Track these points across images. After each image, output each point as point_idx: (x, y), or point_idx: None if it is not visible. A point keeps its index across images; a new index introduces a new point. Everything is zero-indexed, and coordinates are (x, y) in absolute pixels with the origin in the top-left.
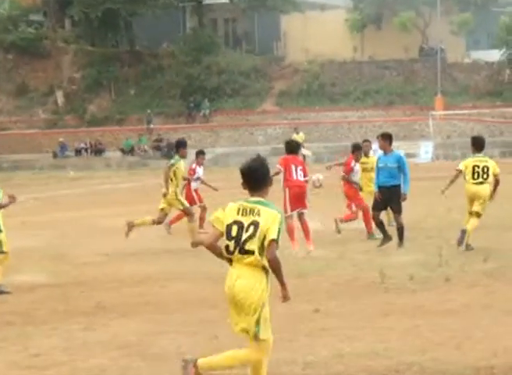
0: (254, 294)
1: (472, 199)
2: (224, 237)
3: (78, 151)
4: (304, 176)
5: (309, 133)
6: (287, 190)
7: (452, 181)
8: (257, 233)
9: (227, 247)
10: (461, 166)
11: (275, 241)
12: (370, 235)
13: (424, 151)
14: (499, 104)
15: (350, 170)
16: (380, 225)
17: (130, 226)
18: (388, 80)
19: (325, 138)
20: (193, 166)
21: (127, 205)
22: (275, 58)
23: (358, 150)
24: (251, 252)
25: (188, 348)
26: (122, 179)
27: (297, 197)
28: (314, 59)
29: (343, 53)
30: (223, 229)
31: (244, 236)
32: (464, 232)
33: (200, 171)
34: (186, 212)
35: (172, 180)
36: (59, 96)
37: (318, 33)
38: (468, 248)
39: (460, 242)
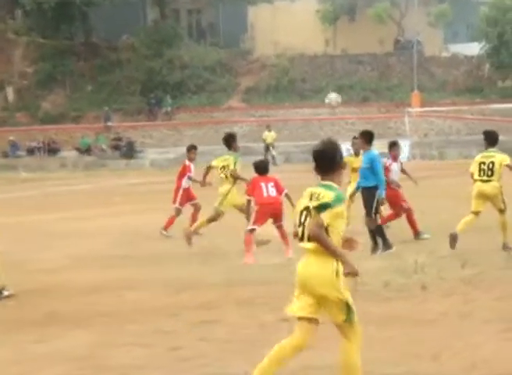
0: (325, 280)
1: (479, 198)
2: (296, 224)
3: (30, 151)
4: (278, 191)
5: (278, 132)
6: (258, 207)
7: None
8: None
9: (297, 234)
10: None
11: (315, 211)
12: (417, 236)
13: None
14: (479, 101)
15: (387, 171)
16: (370, 231)
17: (190, 235)
18: (361, 75)
19: (294, 137)
20: (187, 162)
21: (84, 208)
22: (241, 51)
23: (394, 146)
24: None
25: (144, 360)
26: (79, 180)
27: (269, 214)
28: (283, 53)
29: (314, 46)
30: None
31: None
32: (453, 236)
33: (192, 168)
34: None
35: (226, 177)
36: (9, 92)
37: (287, 25)
38: (506, 249)
39: (452, 245)
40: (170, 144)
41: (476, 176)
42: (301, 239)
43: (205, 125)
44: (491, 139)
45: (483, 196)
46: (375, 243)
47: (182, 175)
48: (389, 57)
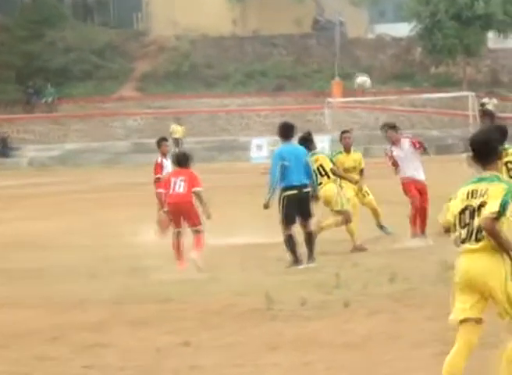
0: (498, 276)
1: None
2: (457, 226)
3: None
4: (189, 186)
5: (179, 125)
6: (168, 207)
7: None
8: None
9: (459, 236)
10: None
11: (494, 214)
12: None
13: (320, 146)
14: (409, 89)
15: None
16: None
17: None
18: (275, 60)
19: (198, 131)
20: (159, 159)
21: None
22: (135, 32)
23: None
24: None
25: None
26: None
27: (179, 213)
28: (184, 34)
29: (219, 27)
30: (453, 219)
31: (476, 222)
32: None
33: (168, 164)
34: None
35: (329, 177)
36: None
37: (188, 2)
38: None
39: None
40: (53, 140)
41: None
42: (463, 241)
43: (94, 117)
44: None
45: None
46: (311, 250)
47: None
48: (307, 39)
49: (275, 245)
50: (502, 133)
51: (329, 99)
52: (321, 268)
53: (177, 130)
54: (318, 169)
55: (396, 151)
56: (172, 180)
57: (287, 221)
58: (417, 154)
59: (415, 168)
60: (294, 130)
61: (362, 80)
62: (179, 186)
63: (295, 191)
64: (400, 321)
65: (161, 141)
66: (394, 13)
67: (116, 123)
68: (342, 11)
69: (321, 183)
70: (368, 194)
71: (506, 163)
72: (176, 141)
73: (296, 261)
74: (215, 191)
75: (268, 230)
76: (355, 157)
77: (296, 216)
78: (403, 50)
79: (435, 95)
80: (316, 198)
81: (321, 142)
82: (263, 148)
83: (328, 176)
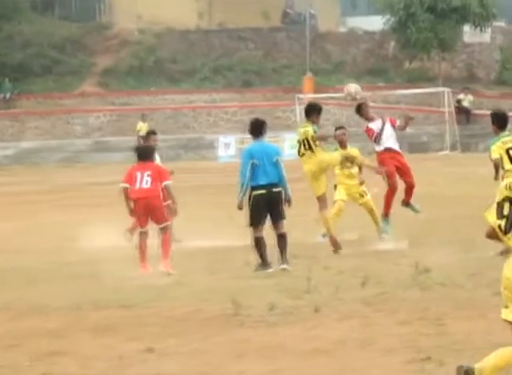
0: None
1: None
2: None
3: None
4: (157, 181)
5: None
6: (133, 203)
7: (498, 172)
8: None
9: (499, 226)
10: (496, 154)
11: None
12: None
13: (290, 145)
14: (382, 85)
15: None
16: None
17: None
18: (243, 55)
19: (162, 129)
20: None
21: None
22: (97, 26)
23: None
24: None
25: None
26: None
27: (146, 209)
28: (148, 28)
29: (185, 20)
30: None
31: None
32: None
33: (157, 157)
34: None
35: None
36: None
37: None
38: None
39: None
40: (10, 138)
41: (509, 167)
42: (505, 233)
43: (53, 115)
44: (502, 121)
45: None
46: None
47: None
48: (276, 33)
49: (242, 248)
50: (502, 119)
51: (300, 95)
52: (291, 271)
53: (143, 127)
54: (303, 141)
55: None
56: (138, 174)
57: (255, 222)
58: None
59: (394, 142)
60: (265, 127)
61: (355, 88)
62: (146, 181)
63: (263, 191)
64: (372, 326)
65: (150, 134)
66: (367, 6)
67: (77, 121)
68: (312, 3)
69: (303, 155)
70: (366, 194)
71: (507, 150)
72: (142, 139)
73: (265, 264)
74: (181, 190)
75: (236, 232)
76: (354, 152)
77: (267, 217)
78: (376, 44)
79: (410, 91)
80: (288, 201)
81: (291, 140)
82: (231, 146)
83: (312, 150)
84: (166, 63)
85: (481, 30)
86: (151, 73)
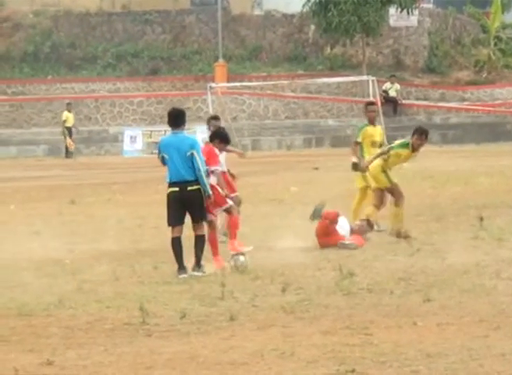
0: None
1: None
2: None
3: None
4: None
5: (39, 114)
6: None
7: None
8: None
9: None
10: None
11: None
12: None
13: (201, 138)
14: (302, 73)
15: None
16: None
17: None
18: (149, 40)
19: (60, 121)
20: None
21: None
22: None
23: None
24: None
25: None
26: None
27: None
28: (43, 10)
29: (85, 2)
30: None
31: None
32: None
33: None
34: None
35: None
36: None
37: None
38: None
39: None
40: None
41: None
42: None
43: None
44: None
45: None
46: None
47: None
48: (185, 16)
49: (151, 251)
50: None
51: (212, 84)
52: (203, 277)
53: (69, 117)
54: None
55: None
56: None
57: (171, 222)
58: None
59: None
60: (184, 117)
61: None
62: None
63: (176, 189)
64: (293, 336)
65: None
66: None
67: None
68: None
69: None
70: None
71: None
72: (69, 131)
73: (179, 268)
74: (80, 188)
75: (145, 234)
76: (380, 131)
77: (185, 216)
78: (295, 28)
79: (332, 80)
80: (208, 198)
81: (203, 133)
82: (137, 139)
83: None
84: (64, 49)
85: (407, 12)
86: (48, 60)
